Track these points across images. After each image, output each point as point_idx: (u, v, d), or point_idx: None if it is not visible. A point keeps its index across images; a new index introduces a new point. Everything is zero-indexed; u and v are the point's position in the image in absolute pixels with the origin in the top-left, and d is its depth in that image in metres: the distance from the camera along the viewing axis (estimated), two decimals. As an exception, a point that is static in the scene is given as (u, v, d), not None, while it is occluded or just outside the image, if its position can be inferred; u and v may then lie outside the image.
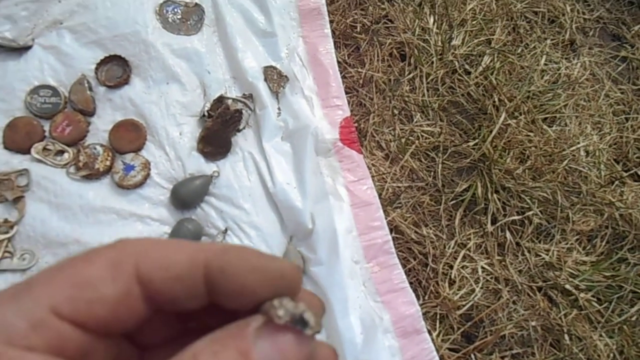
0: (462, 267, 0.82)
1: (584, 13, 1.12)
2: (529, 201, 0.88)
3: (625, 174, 0.95)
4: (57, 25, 0.84)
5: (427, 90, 0.96)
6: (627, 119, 1.02)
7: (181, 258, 0.17)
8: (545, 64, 1.03)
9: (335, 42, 0.94)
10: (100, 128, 0.79)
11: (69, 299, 0.15)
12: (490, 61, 1.00)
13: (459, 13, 1.03)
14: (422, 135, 0.92)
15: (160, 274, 0.17)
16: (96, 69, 0.81)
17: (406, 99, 0.94)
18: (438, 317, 0.79)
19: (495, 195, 0.87)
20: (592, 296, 0.83)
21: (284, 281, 0.17)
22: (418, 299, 0.78)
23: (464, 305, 0.80)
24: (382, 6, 1.01)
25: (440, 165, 0.89)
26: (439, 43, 0.99)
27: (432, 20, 1.01)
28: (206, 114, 0.81)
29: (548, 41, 1.06)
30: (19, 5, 0.83)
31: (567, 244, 0.87)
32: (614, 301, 0.83)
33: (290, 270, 0.18)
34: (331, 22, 0.96)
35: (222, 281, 0.17)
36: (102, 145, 0.77)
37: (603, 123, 1.00)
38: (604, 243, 0.88)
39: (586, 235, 0.89)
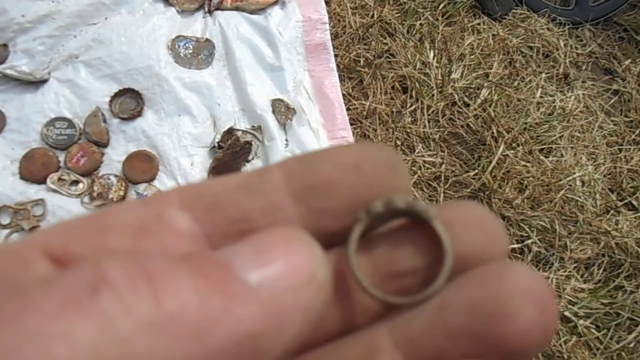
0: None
1: (576, 48, 1.17)
2: (528, 230, 0.91)
3: (620, 204, 0.98)
4: (72, 60, 0.87)
5: (428, 122, 0.99)
6: (620, 150, 1.06)
7: (230, 179, 0.15)
8: (541, 97, 1.07)
9: (339, 76, 0.97)
10: (114, 159, 0.82)
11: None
12: (488, 94, 1.04)
13: (458, 48, 1.08)
14: (424, 166, 0.95)
15: (215, 189, 0.15)
16: (110, 101, 0.84)
17: (408, 130, 0.98)
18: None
19: (495, 224, 0.90)
20: (591, 323, 0.85)
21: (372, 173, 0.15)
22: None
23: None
24: (385, 41, 1.05)
25: (442, 195, 0.92)
26: (439, 76, 1.03)
27: (432, 54, 1.05)
28: (216, 145, 0.84)
29: (543, 75, 1.10)
30: (37, 40, 0.87)
31: (565, 271, 0.90)
32: (612, 328, 0.85)
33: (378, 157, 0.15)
34: (335, 56, 1.00)
35: (307, 192, 0.14)
36: (115, 176, 0.80)
37: (597, 154, 1.04)
38: (601, 271, 0.91)
39: (584, 263, 0.91)
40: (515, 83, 1.08)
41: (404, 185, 0.15)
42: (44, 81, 0.85)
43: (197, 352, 0.10)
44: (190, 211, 0.14)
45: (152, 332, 0.10)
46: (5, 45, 0.86)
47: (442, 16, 1.09)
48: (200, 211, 0.14)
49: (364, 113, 0.98)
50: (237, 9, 0.95)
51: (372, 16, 1.05)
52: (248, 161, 0.85)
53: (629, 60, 1.17)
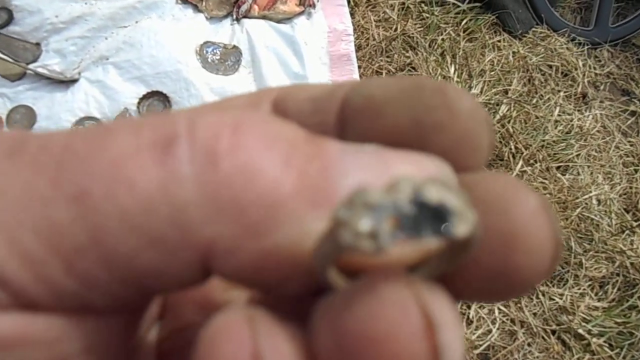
0: (480, 307, 0.85)
1: (595, 68, 1.18)
2: (543, 246, 0.92)
3: (635, 224, 0.99)
4: (103, 61, 0.89)
5: (448, 136, 1.00)
6: (636, 170, 1.06)
7: (320, 88, 0.14)
8: (559, 115, 1.08)
9: (361, 87, 0.99)
10: (140, 159, 0.83)
11: None
12: (507, 110, 1.05)
13: (478, 64, 1.09)
14: (442, 179, 0.96)
15: (296, 95, 0.14)
16: (138, 103, 0.86)
17: (427, 143, 0.99)
18: (456, 356, 0.81)
19: (511, 239, 0.91)
20: (604, 342, 0.86)
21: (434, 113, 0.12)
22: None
23: (481, 345, 0.82)
24: (407, 54, 1.07)
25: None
26: (459, 91, 1.04)
27: (453, 69, 1.07)
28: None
29: (561, 93, 1.12)
30: (69, 41, 0.89)
31: (579, 289, 0.90)
32: (625, 347, 0.86)
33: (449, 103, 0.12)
34: (358, 67, 1.01)
35: (359, 118, 0.13)
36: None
37: (613, 173, 1.05)
38: (615, 290, 0.91)
39: (598, 281, 0.92)
40: (534, 100, 1.09)
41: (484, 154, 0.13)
42: (74, 81, 0.87)
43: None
44: (274, 109, 0.14)
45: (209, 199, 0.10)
46: (38, 45, 0.88)
47: (464, 32, 1.11)
48: (277, 112, 0.14)
49: (385, 124, 0.99)
50: (264, 17, 0.97)
51: (396, 29, 1.07)
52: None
53: (647, 82, 1.19)
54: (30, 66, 0.85)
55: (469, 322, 0.84)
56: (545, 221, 0.11)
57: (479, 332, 0.83)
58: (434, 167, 0.12)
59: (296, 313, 0.11)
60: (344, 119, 0.13)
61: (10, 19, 0.87)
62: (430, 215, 0.09)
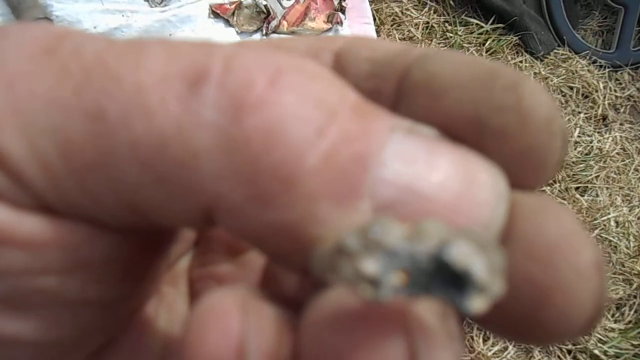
0: (497, 325, 0.87)
1: (615, 91, 1.19)
2: (561, 266, 0.93)
3: (653, 247, 1.00)
4: (137, 71, 0.92)
5: (468, 153, 1.02)
6: (655, 194, 1.07)
7: (385, 49, 0.13)
8: (579, 136, 1.10)
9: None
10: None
11: None
12: (528, 130, 1.06)
13: (500, 83, 1.11)
14: (462, 195, 0.97)
15: (358, 52, 0.13)
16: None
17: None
18: (473, 371, 0.82)
19: (529, 258, 0.92)
20: (620, 363, 0.87)
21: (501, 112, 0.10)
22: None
23: (497, 362, 0.83)
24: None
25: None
26: (481, 110, 1.06)
27: (474, 88, 1.09)
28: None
29: (582, 115, 1.13)
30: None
31: (596, 310, 0.91)
32: (641, 370, 0.86)
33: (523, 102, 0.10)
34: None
35: (417, 96, 0.11)
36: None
37: (632, 196, 1.05)
38: (632, 312, 0.92)
39: (615, 303, 0.93)
40: (554, 121, 1.10)
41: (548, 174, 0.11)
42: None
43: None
44: (335, 62, 0.13)
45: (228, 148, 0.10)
46: (76, 54, 0.92)
47: (487, 52, 1.13)
48: (338, 66, 0.13)
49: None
50: (292, 33, 1.00)
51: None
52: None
53: (667, 106, 1.20)
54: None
55: (486, 339, 0.85)
56: (593, 282, 0.10)
57: (495, 348, 0.84)
58: (486, 177, 0.10)
59: (297, 296, 0.11)
60: (402, 91, 0.12)
61: (50, 29, 0.91)
62: (447, 274, 0.08)
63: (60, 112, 0.10)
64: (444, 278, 0.08)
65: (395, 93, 0.12)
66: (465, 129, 0.11)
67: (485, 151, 0.10)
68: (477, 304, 0.08)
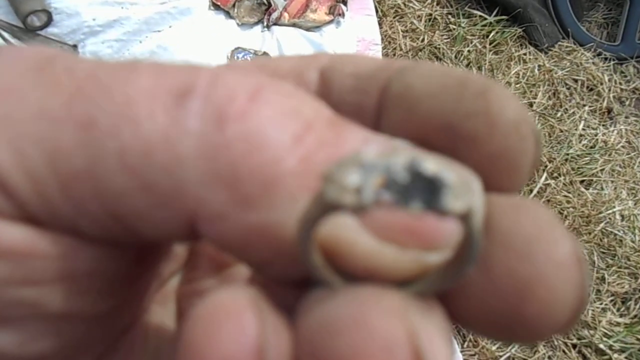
0: (501, 319, 0.86)
1: (620, 84, 1.18)
2: (566, 260, 0.92)
3: (658, 241, 0.98)
4: (137, 64, 0.91)
5: (472, 147, 1.01)
6: (660, 187, 1.06)
7: (367, 65, 0.13)
8: (584, 129, 1.08)
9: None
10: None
11: None
12: (532, 123, 1.05)
13: (504, 76, 1.10)
14: (465, 189, 0.97)
15: (343, 68, 0.13)
16: (170, 106, 0.88)
17: (451, 153, 1.00)
18: (476, 366, 0.81)
19: (534, 252, 0.91)
20: (626, 357, 0.86)
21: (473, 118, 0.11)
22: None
23: (501, 357, 0.83)
24: (433, 65, 1.08)
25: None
26: (484, 103, 1.05)
27: (478, 81, 1.08)
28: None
29: (586, 108, 1.12)
30: (105, 43, 0.91)
31: (601, 304, 0.90)
32: (647, 364, 0.85)
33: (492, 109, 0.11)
34: (385, 76, 1.02)
35: (395, 107, 0.12)
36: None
37: (638, 189, 1.04)
38: (637, 306, 0.91)
39: (620, 297, 0.92)
40: (559, 114, 1.09)
41: (523, 176, 0.11)
42: (109, 82, 0.89)
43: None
44: (321, 79, 0.14)
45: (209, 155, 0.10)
46: (75, 46, 0.91)
47: (490, 44, 1.12)
48: (323, 83, 0.14)
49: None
50: (294, 25, 0.99)
51: (422, 40, 1.08)
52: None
53: (673, 99, 1.18)
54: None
55: (490, 333, 0.84)
56: (573, 274, 0.10)
57: (500, 342, 0.83)
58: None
59: (286, 300, 0.11)
60: (382, 104, 0.12)
61: (49, 21, 0.90)
62: (423, 187, 0.09)
63: (50, 122, 0.10)
64: (421, 192, 0.09)
65: (377, 106, 0.12)
66: (440, 137, 0.11)
67: (458, 157, 0.11)
68: (454, 203, 0.08)
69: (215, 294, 0.10)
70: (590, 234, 0.95)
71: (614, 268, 0.93)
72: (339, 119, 0.11)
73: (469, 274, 0.10)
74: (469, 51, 1.10)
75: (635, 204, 1.02)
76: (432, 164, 0.09)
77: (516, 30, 1.14)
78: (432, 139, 0.11)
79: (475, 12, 1.13)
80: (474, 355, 0.82)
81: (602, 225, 0.96)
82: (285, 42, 0.96)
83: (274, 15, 0.98)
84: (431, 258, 0.10)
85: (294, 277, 0.11)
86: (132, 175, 0.10)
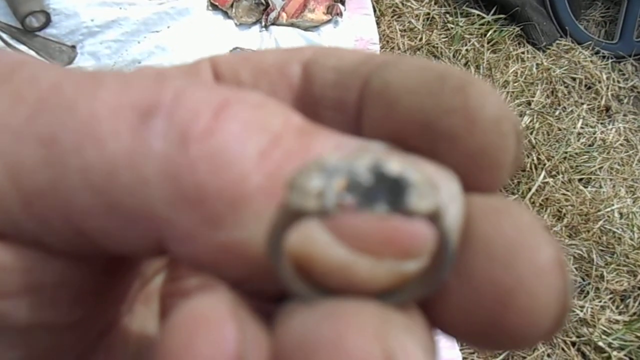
0: (500, 317, 0.86)
1: (619, 82, 1.18)
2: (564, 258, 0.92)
3: (657, 238, 0.99)
4: (135, 64, 0.91)
5: (470, 145, 1.01)
6: (659, 185, 1.06)
7: (350, 58, 0.13)
8: (582, 127, 1.09)
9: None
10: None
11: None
12: (530, 121, 1.06)
13: (502, 75, 1.10)
14: (464, 187, 0.97)
15: (325, 62, 0.13)
16: (168, 106, 0.88)
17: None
18: (476, 364, 0.82)
19: (532, 250, 0.92)
20: (625, 355, 0.86)
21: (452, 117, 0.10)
22: (457, 343, 0.81)
23: (500, 354, 0.83)
24: (431, 64, 1.08)
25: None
26: (482, 101, 1.05)
27: (476, 79, 1.08)
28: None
29: (584, 106, 1.12)
30: (103, 44, 0.91)
31: (600, 302, 0.90)
32: (646, 362, 0.85)
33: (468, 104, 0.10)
34: (383, 75, 1.03)
35: (375, 104, 0.12)
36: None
37: (636, 187, 1.04)
38: (636, 304, 0.91)
39: (619, 294, 0.92)
40: (557, 112, 1.09)
41: (504, 175, 0.11)
42: (107, 83, 0.89)
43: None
44: (304, 72, 0.13)
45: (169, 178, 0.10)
46: (73, 47, 0.91)
47: (488, 43, 1.12)
48: (305, 77, 0.13)
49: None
50: (292, 25, 0.99)
51: (420, 39, 1.08)
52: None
53: (671, 97, 1.18)
54: (66, 68, 0.88)
55: (489, 331, 0.84)
56: (555, 280, 0.10)
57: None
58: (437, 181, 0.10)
59: (265, 306, 0.11)
60: (363, 100, 0.12)
61: (47, 22, 0.90)
62: (388, 189, 0.08)
63: (12, 137, 0.10)
64: (385, 193, 0.08)
65: (358, 102, 0.12)
66: (420, 135, 0.11)
67: (438, 155, 0.10)
68: (419, 202, 0.08)
69: (195, 301, 0.09)
70: (589, 232, 0.95)
71: (612, 266, 0.93)
72: (309, 126, 0.11)
73: (447, 279, 0.10)
74: (467, 50, 1.10)
75: (633, 202, 1.02)
76: (396, 165, 0.08)
77: (514, 29, 1.14)
78: (412, 138, 0.11)
79: (473, 11, 1.13)
80: (473, 352, 0.82)
81: (600, 223, 0.96)
82: (283, 42, 0.97)
83: (272, 15, 0.98)
84: (408, 267, 0.10)
85: (271, 292, 0.11)
86: (97, 194, 0.10)
